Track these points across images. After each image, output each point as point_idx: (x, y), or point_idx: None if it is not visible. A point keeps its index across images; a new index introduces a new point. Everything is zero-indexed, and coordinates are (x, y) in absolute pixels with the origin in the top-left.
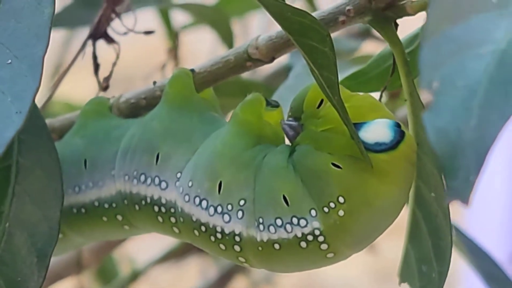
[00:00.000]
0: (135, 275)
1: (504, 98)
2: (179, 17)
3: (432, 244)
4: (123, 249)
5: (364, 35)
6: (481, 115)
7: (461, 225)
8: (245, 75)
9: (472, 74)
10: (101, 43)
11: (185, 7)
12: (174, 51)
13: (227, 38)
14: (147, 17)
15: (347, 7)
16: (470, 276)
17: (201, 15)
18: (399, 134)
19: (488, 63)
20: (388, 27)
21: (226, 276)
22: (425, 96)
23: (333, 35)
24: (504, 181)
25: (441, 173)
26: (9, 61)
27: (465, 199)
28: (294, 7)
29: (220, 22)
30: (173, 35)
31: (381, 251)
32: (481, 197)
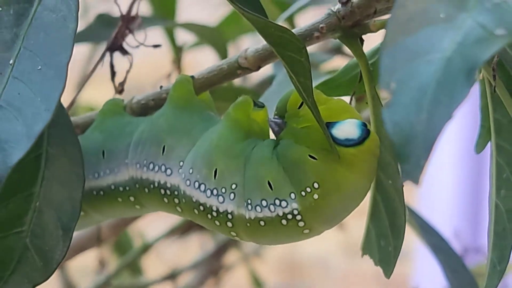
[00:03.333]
0: (146, 248)
1: (449, 97)
2: (182, 36)
3: (389, 223)
4: (136, 225)
5: (335, 51)
6: (430, 111)
7: (413, 206)
8: (237, 83)
9: (422, 77)
10: (118, 60)
11: (187, 26)
12: (177, 63)
13: (223, 54)
14: (156, 35)
15: (321, 25)
16: (421, 249)
17: (201, 34)
18: (366, 132)
19: (436, 68)
20: (355, 42)
21: (222, 249)
22: (384, 95)
23: (309, 49)
24: (450, 168)
25: (397, 163)
26: (39, 67)
27: (416, 179)
28: (276, 24)
29: (217, 41)
30: (177, 50)
31: (350, 230)
32: (430, 183)
